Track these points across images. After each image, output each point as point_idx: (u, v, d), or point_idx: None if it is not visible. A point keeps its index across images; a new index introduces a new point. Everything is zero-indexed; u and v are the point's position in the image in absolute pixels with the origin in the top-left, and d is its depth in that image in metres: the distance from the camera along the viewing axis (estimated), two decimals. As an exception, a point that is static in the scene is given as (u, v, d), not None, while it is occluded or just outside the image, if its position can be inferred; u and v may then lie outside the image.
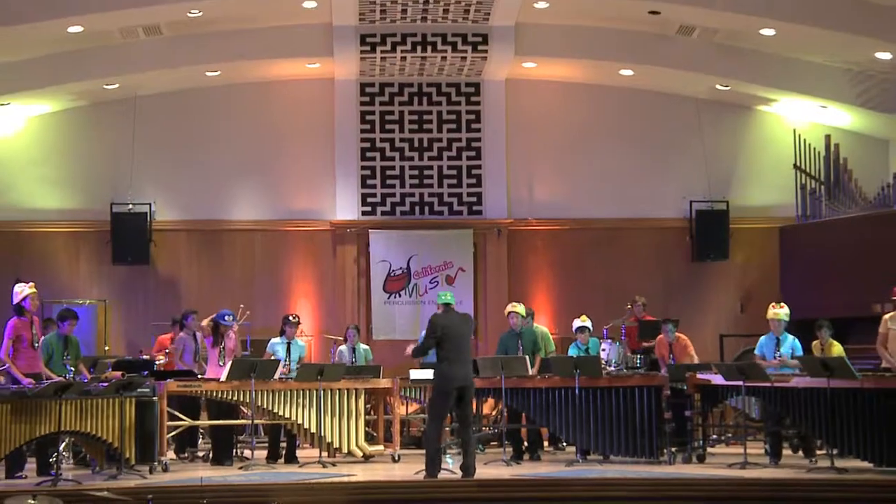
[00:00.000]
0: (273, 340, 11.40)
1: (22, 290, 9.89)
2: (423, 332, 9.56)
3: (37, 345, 9.87)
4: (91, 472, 9.85)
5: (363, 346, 12.63)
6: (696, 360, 11.65)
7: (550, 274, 15.71)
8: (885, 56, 13.79)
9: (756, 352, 10.80)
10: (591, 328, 11.80)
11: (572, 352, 11.68)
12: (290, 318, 11.41)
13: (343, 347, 12.58)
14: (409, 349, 9.79)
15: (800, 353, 10.50)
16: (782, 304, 10.74)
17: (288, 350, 11.24)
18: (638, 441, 10.40)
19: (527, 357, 10.98)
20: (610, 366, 11.87)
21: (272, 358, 10.97)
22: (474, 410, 11.52)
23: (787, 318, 10.60)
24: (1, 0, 12.52)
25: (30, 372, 9.72)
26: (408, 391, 11.87)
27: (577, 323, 11.70)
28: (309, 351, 14.92)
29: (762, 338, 10.77)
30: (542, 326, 12.63)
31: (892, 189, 14.27)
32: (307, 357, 14.37)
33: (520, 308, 11.46)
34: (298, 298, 15.49)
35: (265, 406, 10.41)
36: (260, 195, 15.59)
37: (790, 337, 10.60)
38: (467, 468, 9.21)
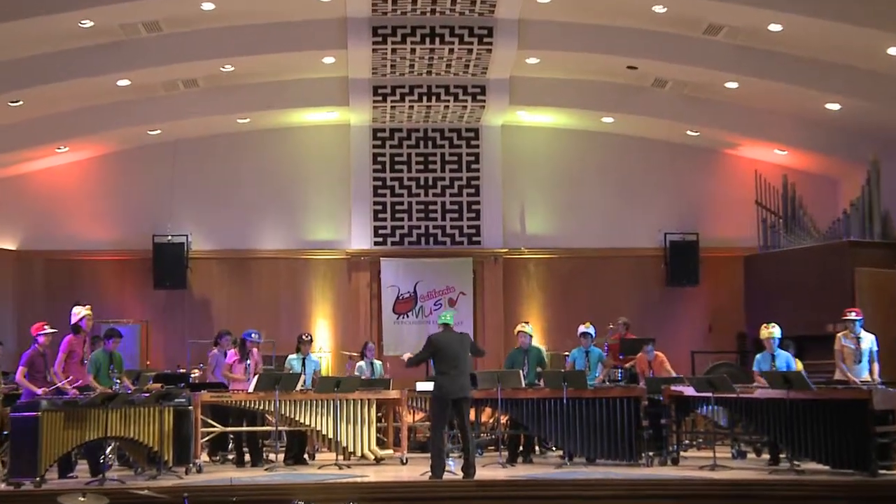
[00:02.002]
0: (290, 356, 11.36)
1: (80, 311, 9.90)
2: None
3: (86, 361, 9.85)
4: (134, 473, 9.81)
5: (377, 362, 12.56)
6: (672, 374, 11.56)
7: (541, 297, 15.70)
8: (833, 107, 13.82)
9: (754, 368, 10.45)
10: (594, 334, 11.65)
11: (576, 354, 11.50)
12: (304, 336, 11.39)
13: (362, 363, 12.51)
14: (405, 357, 9.81)
15: (793, 367, 10.25)
16: (774, 324, 10.42)
17: (303, 365, 11.20)
18: (619, 446, 10.33)
19: (520, 371, 10.89)
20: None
21: (290, 372, 10.93)
22: (473, 418, 11.51)
23: (779, 336, 10.40)
24: (61, 59, 12.60)
25: (78, 385, 9.67)
26: (414, 401, 11.81)
27: (581, 328, 11.57)
28: (326, 365, 14.92)
29: (758, 356, 10.50)
30: (537, 346, 12.55)
31: (841, 223, 14.26)
32: (324, 371, 14.38)
33: (528, 328, 11.44)
34: (317, 319, 15.47)
35: (288, 414, 10.38)
36: (284, 227, 15.61)
37: (784, 353, 10.37)
38: (468, 470, 9.15)
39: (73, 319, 9.87)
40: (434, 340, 9.36)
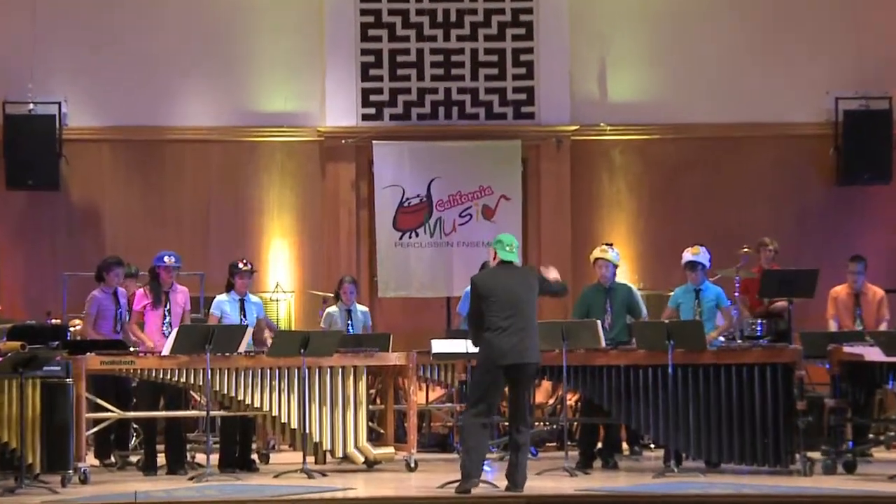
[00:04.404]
0: (219, 298, 11.46)
1: None
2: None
3: None
4: (-20, 485, 9.93)
5: (361, 309, 12.55)
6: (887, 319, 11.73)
7: (631, 202, 15.71)
8: None
9: None
10: (710, 264, 11.68)
11: (680, 296, 11.60)
12: (240, 265, 11.43)
13: (333, 309, 12.48)
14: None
15: None
16: None
17: (242, 310, 11.26)
18: (758, 442, 10.38)
19: (598, 322, 10.96)
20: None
21: (221, 323, 10.98)
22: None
23: None
24: None
25: None
26: (429, 370, 11.84)
27: (687, 256, 11.60)
28: (286, 313, 14.94)
29: None
30: (627, 283, 12.56)
31: None
32: (283, 322, 14.39)
33: (611, 255, 11.54)
34: (272, 239, 15.52)
35: (226, 392, 10.45)
36: (216, 92, 15.60)
37: None
38: (514, 479, 9.24)
39: None
40: (479, 283, 9.53)
